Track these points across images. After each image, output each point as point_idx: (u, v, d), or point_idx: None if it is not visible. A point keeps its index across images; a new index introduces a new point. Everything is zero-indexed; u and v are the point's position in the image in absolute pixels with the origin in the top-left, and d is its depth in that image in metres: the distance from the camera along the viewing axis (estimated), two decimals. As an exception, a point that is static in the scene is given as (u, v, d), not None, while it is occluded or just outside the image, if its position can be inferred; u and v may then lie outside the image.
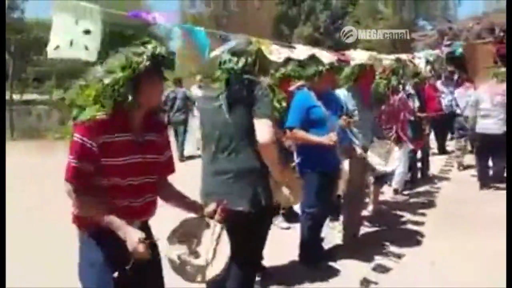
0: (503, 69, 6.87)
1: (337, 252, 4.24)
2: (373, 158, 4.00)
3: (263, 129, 2.48)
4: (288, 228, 4.86)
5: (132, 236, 1.82)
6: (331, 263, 4.00)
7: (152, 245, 1.93)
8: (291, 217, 4.97)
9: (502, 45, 9.53)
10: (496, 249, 4.29)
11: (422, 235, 4.80)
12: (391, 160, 4.07)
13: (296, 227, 4.43)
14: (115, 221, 1.85)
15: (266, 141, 2.48)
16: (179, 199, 2.20)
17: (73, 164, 1.83)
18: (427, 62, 6.65)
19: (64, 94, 1.98)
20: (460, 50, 9.19)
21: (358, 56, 4.00)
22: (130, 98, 1.85)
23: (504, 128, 6.19)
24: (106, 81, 1.84)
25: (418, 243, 4.59)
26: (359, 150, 3.94)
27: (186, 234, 2.07)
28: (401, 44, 16.75)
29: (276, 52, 3.03)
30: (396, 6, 19.71)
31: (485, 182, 6.69)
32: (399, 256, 4.22)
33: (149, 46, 1.89)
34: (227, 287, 2.77)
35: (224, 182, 2.55)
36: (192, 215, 2.18)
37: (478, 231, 4.87)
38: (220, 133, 2.58)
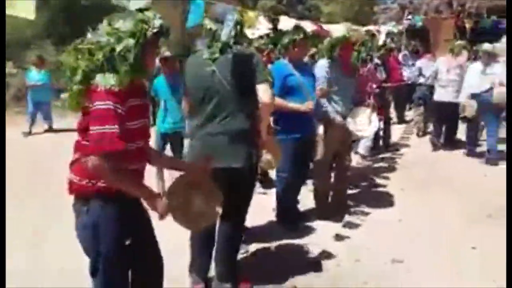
0: (459, 42, 7.40)
1: (312, 214, 4.55)
2: (353, 124, 4.28)
3: (265, 92, 2.78)
4: (264, 194, 5.10)
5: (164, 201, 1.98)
6: (307, 223, 4.31)
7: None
8: (267, 183, 5.24)
9: (459, 18, 10.02)
10: (456, 204, 4.76)
11: (388, 196, 5.20)
12: (369, 125, 4.37)
13: (272, 193, 4.70)
14: (142, 185, 1.98)
15: (268, 101, 2.80)
16: (167, 159, 2.34)
17: (114, 131, 1.81)
18: (387, 34, 7.00)
19: (61, 58, 1.99)
20: (420, 23, 9.62)
21: (338, 29, 4.22)
22: (140, 64, 1.92)
23: (458, 99, 6.78)
24: (118, 48, 1.88)
25: (386, 203, 4.97)
26: (338, 118, 4.19)
27: (180, 191, 2.20)
28: (364, 17, 17.15)
29: (254, 27, 3.20)
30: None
31: (436, 145, 7.40)
32: (366, 214, 4.60)
33: (149, 14, 1.95)
34: (217, 243, 3.01)
35: (220, 142, 2.76)
36: (181, 173, 2.34)
37: (438, 189, 5.34)
38: (217, 97, 2.76)
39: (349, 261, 3.55)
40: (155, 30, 1.94)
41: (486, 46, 6.72)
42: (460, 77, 6.92)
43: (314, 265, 3.51)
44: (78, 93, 1.92)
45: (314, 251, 3.73)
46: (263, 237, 3.97)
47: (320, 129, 4.38)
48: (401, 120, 9.90)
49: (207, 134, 2.81)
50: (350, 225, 4.33)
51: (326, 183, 4.63)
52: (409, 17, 10.43)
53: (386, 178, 5.98)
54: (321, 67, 4.26)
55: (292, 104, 3.94)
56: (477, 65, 6.66)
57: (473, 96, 6.48)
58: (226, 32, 2.79)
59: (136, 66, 1.90)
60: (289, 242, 3.91)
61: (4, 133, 1.66)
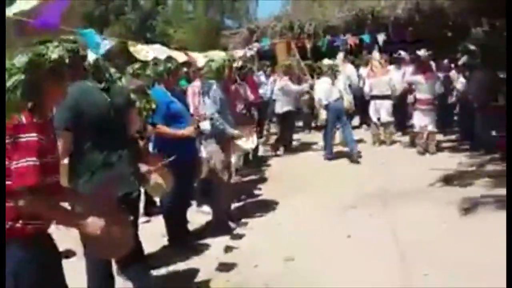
0: (284, 62, 8.90)
1: (202, 231, 4.70)
2: (240, 140, 4.61)
3: (137, 118, 2.99)
4: (148, 221, 5.04)
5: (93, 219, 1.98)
6: (199, 241, 4.43)
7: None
8: (150, 210, 5.19)
9: (299, 40, 11.17)
10: (325, 202, 5.33)
11: (266, 204, 5.58)
12: (250, 141, 4.75)
13: (156, 220, 4.72)
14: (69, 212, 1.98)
15: (139, 122, 3.06)
16: (71, 192, 2.32)
17: (41, 164, 1.77)
18: (240, 57, 7.59)
19: None
20: (267, 46, 10.51)
21: (218, 55, 4.54)
22: (33, 100, 1.87)
23: (285, 109, 8.24)
24: (8, 84, 1.82)
25: (265, 210, 5.34)
26: (230, 132, 4.48)
27: None
28: (212, 42, 17.90)
29: (143, 52, 3.28)
30: (204, 6, 20.89)
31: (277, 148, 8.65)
32: (246, 224, 4.92)
33: (51, 46, 1.93)
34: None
35: (123, 170, 2.77)
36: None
37: (308, 191, 5.91)
38: (117, 125, 2.78)
39: (248, 268, 3.78)
40: (51, 64, 1.90)
41: (327, 61, 7.76)
42: (283, 92, 8.20)
43: (215, 278, 3.65)
44: None
45: (212, 265, 3.87)
46: (159, 262, 3.96)
47: (203, 150, 4.58)
48: (261, 134, 10.61)
49: (109, 163, 2.75)
50: (239, 236, 4.57)
51: (227, 201, 4.85)
52: (257, 40, 11.35)
53: (260, 188, 6.39)
54: (215, 90, 4.50)
55: (177, 131, 4.09)
56: (325, 80, 7.57)
57: (326, 106, 7.37)
58: (100, 62, 2.84)
59: (29, 100, 1.85)
60: (186, 262, 3.99)
61: (4, 133, 1.53)
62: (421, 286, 3.31)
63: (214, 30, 19.29)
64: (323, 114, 7.41)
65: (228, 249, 4.25)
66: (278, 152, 8.69)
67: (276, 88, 8.45)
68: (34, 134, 1.80)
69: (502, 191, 5.13)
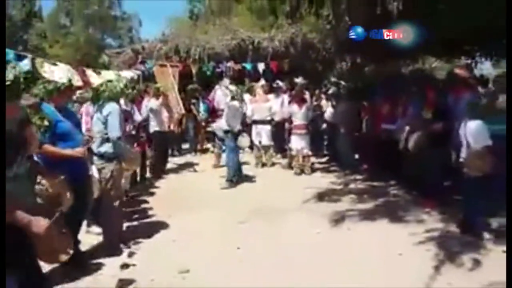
0: (158, 85, 9.14)
1: (94, 251, 4.70)
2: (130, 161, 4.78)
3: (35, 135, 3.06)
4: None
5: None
6: (94, 261, 4.44)
7: None
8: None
9: (184, 64, 11.49)
10: (215, 218, 5.69)
11: (156, 223, 5.73)
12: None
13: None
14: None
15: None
16: None
17: None
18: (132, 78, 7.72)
19: None
20: (153, 68, 10.68)
21: (111, 75, 4.64)
22: None
23: (156, 129, 8.41)
24: None
25: (156, 229, 5.48)
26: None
27: None
28: (92, 60, 17.36)
29: (48, 70, 3.33)
30: (84, 22, 20.06)
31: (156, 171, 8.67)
32: (140, 243, 5.04)
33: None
34: None
35: (20, 185, 2.76)
36: None
37: (196, 208, 6.21)
38: (11, 142, 2.76)
39: (145, 282, 3.96)
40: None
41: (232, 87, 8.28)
42: (154, 113, 8.38)
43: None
44: None
45: (109, 284, 3.94)
46: (54, 281, 3.90)
47: (94, 171, 4.59)
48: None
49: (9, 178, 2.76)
50: (133, 254, 4.67)
51: (119, 222, 4.90)
52: (142, 61, 11.40)
53: (151, 208, 6.48)
54: (119, 112, 4.57)
55: (66, 151, 4.05)
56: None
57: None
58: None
59: None
60: (82, 280, 4.01)
61: (4, 132, 1.46)
62: (301, 281, 3.84)
63: (94, 48, 18.71)
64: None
65: (124, 266, 4.34)
66: (163, 175, 8.86)
67: (148, 110, 8.57)
68: None
69: (364, 206, 6.10)
